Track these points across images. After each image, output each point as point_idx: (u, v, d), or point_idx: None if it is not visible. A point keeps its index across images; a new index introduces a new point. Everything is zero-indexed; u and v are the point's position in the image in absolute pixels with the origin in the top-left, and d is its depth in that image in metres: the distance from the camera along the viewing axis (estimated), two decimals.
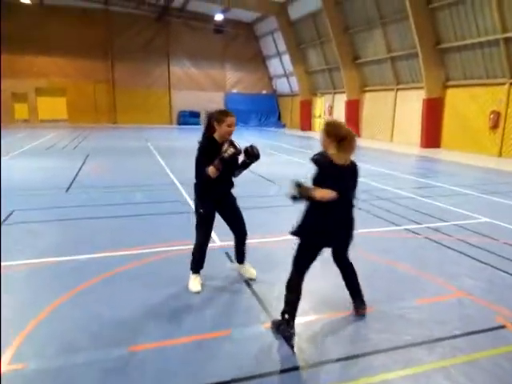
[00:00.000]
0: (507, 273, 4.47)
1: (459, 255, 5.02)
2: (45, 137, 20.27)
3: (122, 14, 28.29)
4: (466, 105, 16.16)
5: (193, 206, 7.14)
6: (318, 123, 27.94)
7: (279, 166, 12.39)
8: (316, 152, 3.15)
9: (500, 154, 14.91)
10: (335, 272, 3.57)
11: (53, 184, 8.92)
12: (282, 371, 2.79)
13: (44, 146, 16.40)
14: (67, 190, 8.37)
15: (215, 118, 3.64)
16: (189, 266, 4.01)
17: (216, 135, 3.71)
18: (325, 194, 2.94)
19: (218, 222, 6.14)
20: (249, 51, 32.37)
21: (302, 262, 3.17)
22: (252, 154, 3.79)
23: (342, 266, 3.52)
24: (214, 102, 32.27)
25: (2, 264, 4.34)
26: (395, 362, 2.89)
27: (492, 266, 4.65)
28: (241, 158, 3.86)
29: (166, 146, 17.17)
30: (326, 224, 3.08)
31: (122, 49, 29.20)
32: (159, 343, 3.05)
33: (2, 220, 6.07)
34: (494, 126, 14.99)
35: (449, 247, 5.28)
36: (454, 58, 16.36)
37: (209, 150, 3.64)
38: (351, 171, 3.17)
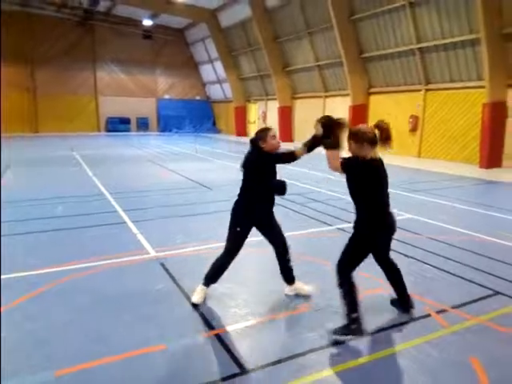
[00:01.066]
0: (431, 265, 4.80)
1: None
2: None
3: (43, 17, 26.58)
4: (388, 110, 17.29)
5: (125, 217, 6.94)
6: (253, 129, 28.31)
7: (214, 172, 12.32)
8: None
9: (419, 155, 16.14)
10: (270, 275, 3.59)
11: None
12: (223, 379, 2.73)
13: None
14: None
15: (259, 139, 3.61)
16: (117, 281, 3.79)
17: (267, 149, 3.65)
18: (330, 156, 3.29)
19: (150, 227, 5.90)
20: (180, 57, 32.01)
21: (355, 261, 3.32)
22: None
23: (385, 266, 3.61)
24: (145, 107, 31.49)
25: None
26: (332, 359, 2.96)
27: (418, 260, 4.97)
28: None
29: (94, 155, 16.35)
30: (386, 220, 3.32)
31: (43, 54, 27.40)
32: (87, 364, 2.84)
33: None
34: (414, 129, 16.21)
35: None
36: (375, 67, 17.46)
37: (264, 164, 3.65)
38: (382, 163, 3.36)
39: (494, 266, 4.78)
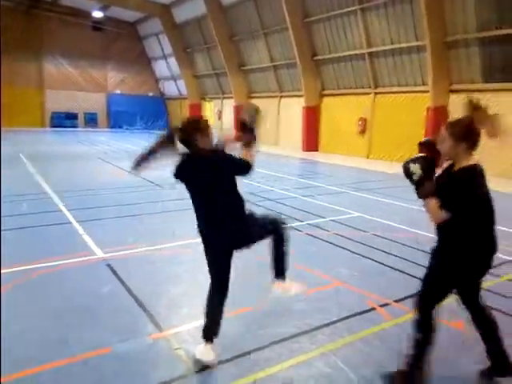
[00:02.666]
0: (376, 261, 5.01)
1: (335, 248, 5.48)
2: None
3: None
4: (339, 112, 17.84)
5: (70, 217, 6.63)
6: None
7: (168, 170, 12.07)
8: None
9: (368, 156, 16.77)
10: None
11: None
12: (174, 379, 2.70)
13: None
14: None
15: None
16: (60, 284, 3.61)
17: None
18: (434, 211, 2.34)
19: (97, 227, 5.73)
20: (133, 51, 31.11)
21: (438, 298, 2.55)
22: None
23: (476, 312, 2.69)
24: (94, 102, 30.31)
25: None
26: (280, 355, 3.00)
27: (363, 256, 5.17)
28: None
29: (38, 152, 15.50)
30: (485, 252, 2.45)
31: None
32: (31, 370, 2.69)
33: None
34: (362, 131, 16.82)
35: (327, 241, 5.72)
36: (328, 69, 17.94)
37: None
38: None
39: None
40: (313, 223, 6.64)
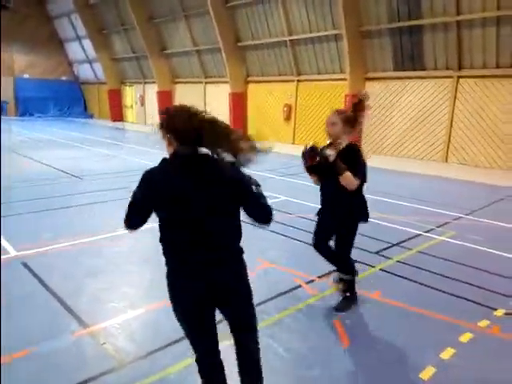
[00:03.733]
0: (302, 241, 5.23)
1: (265, 232, 5.59)
2: None
3: None
4: (265, 99, 18.08)
5: None
6: (130, 113, 26.92)
7: (86, 160, 11.42)
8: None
9: (294, 142, 17.29)
10: (157, 263, 3.48)
11: None
12: (103, 373, 2.61)
13: None
14: None
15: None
16: None
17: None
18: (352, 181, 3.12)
19: (10, 224, 5.38)
20: (41, 32, 28.45)
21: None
22: None
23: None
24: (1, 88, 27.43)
25: None
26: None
27: (290, 237, 5.37)
28: None
29: None
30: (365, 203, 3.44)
31: None
32: None
33: None
34: (287, 118, 17.26)
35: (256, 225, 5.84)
36: (252, 56, 18.01)
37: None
38: None
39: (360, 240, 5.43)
40: None
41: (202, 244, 1.93)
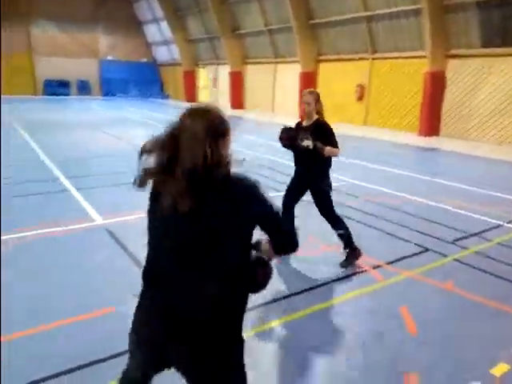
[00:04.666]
0: (367, 225, 5.13)
1: None
2: None
3: None
4: (336, 78, 17.58)
5: (68, 185, 6.67)
6: (204, 94, 27.68)
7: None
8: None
9: (365, 123, 16.70)
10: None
11: None
12: None
13: None
14: None
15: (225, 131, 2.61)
16: (63, 248, 3.67)
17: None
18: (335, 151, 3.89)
19: (95, 194, 5.78)
20: (122, 14, 30.04)
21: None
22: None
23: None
24: (86, 69, 29.61)
25: None
26: (275, 312, 3.15)
27: (357, 221, 5.28)
28: None
29: (32, 120, 15.30)
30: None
31: None
32: (33, 330, 2.82)
33: None
34: (360, 98, 16.66)
35: None
36: (324, 34, 17.52)
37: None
38: None
39: (427, 226, 5.20)
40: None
41: None
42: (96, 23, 29.48)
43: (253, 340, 2.81)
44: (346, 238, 4.03)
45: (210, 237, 1.39)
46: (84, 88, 29.68)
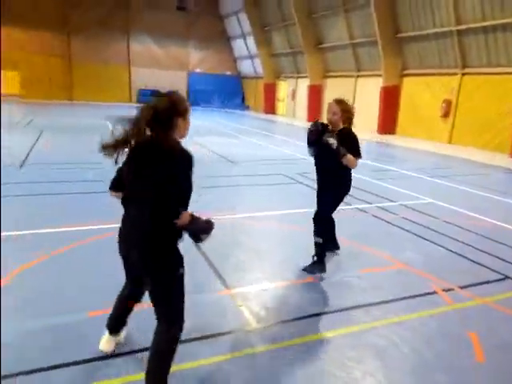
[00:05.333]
0: (443, 247, 4.91)
1: (403, 231, 5.43)
2: None
3: None
4: (421, 93, 16.88)
5: None
6: (281, 106, 28.20)
7: (240, 148, 12.52)
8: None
9: (450, 141, 15.78)
10: (291, 245, 3.80)
11: (5, 160, 8.60)
12: (234, 331, 3.01)
13: None
14: (21, 167, 8.12)
15: (179, 113, 2.18)
16: None
17: (177, 137, 2.21)
18: (353, 161, 3.73)
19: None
20: (213, 30, 31.87)
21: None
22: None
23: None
24: (176, 81, 31.74)
25: None
26: (334, 323, 3.19)
27: (431, 241, 5.08)
28: None
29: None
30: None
31: (79, 22, 27.91)
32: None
33: None
34: (445, 115, 15.80)
35: (394, 224, 5.68)
36: (411, 48, 16.96)
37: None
38: None
39: (507, 252, 4.84)
40: (381, 206, 6.59)
41: None
42: (188, 38, 31.58)
43: (335, 342, 2.89)
44: (320, 249, 3.99)
45: (153, 186, 2.06)
46: None
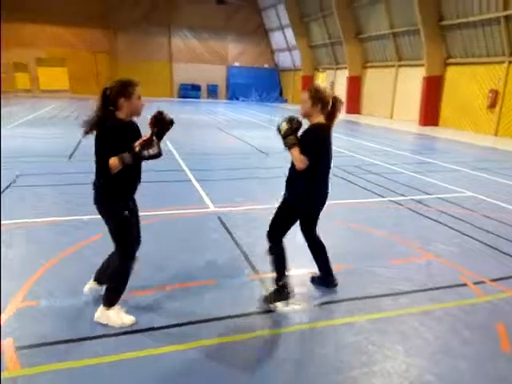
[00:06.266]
0: (477, 240, 4.83)
1: (436, 224, 5.37)
2: (47, 107, 20.42)
3: None
4: (465, 83, 16.22)
5: (191, 176, 7.59)
6: None
7: (274, 140, 12.62)
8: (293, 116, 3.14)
9: (496, 133, 15.10)
10: (325, 233, 3.88)
11: (56, 152, 9.23)
12: (264, 312, 3.19)
13: (46, 116, 16.60)
14: (70, 158, 8.69)
15: (121, 93, 2.75)
16: (184, 227, 4.31)
17: (121, 114, 2.78)
18: (297, 158, 2.99)
19: (212, 186, 6.47)
20: (251, 23, 31.96)
21: (284, 228, 3.27)
22: (164, 122, 3.01)
23: (311, 240, 3.47)
24: (216, 75, 32.23)
25: (8, 222, 4.72)
26: (360, 309, 3.28)
27: (465, 234, 5.00)
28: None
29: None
30: (322, 193, 3.22)
31: (122, 19, 28.94)
32: (151, 290, 3.44)
33: (7, 184, 6.43)
34: (492, 105, 15.11)
35: (428, 217, 5.62)
36: (455, 36, 16.30)
37: (117, 136, 2.73)
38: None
39: None
40: (417, 199, 6.51)
41: None
42: (227, 32, 31.88)
43: (368, 325, 3.02)
44: (277, 267, 3.26)
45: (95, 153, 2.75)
46: (213, 92, 32.37)
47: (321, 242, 3.49)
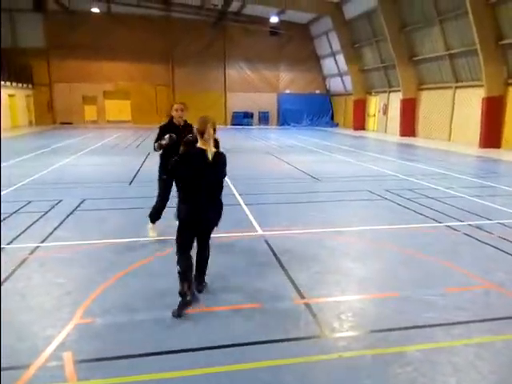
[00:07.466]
0: None
1: (497, 251, 5.05)
2: (111, 136, 21.97)
3: (182, 20, 29.75)
4: None
5: (240, 200, 7.78)
6: (372, 122, 27.57)
7: (326, 165, 12.60)
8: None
9: None
10: (372, 261, 3.85)
11: (118, 178, 9.88)
12: (305, 338, 3.17)
13: (110, 145, 17.85)
14: (130, 184, 9.26)
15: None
16: (232, 250, 4.43)
17: (174, 119, 5.13)
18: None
19: (264, 211, 6.60)
20: (303, 52, 32.56)
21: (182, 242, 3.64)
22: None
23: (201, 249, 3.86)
24: (267, 102, 32.98)
25: (77, 242, 5.12)
26: (411, 339, 3.15)
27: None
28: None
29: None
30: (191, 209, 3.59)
31: (181, 53, 30.74)
32: (204, 309, 3.55)
33: (73, 208, 6.98)
34: None
35: (488, 244, 5.30)
36: None
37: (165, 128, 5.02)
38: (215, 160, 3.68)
39: None
40: (474, 224, 6.18)
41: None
42: (279, 61, 32.72)
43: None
44: (182, 278, 3.48)
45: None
46: (264, 118, 33.12)
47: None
